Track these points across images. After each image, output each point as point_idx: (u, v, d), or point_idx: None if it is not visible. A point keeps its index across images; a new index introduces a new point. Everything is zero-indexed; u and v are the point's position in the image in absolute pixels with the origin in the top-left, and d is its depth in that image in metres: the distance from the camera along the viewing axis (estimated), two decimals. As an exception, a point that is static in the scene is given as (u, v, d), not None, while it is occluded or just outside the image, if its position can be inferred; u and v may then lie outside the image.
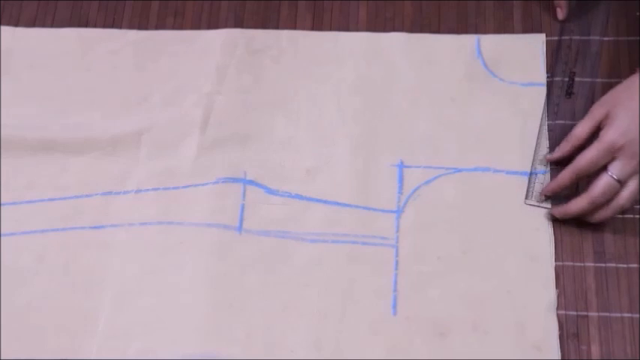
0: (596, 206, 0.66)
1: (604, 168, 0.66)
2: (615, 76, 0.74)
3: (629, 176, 0.65)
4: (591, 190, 0.66)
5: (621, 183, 0.65)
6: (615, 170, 0.65)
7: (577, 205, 0.67)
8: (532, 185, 0.70)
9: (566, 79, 0.74)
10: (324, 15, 0.80)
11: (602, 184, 0.66)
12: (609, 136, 0.65)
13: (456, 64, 0.76)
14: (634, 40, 0.76)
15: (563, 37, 0.76)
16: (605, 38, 0.76)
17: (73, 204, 0.73)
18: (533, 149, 0.72)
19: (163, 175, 0.74)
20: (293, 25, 0.80)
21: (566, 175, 0.68)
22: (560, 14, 0.77)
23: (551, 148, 0.72)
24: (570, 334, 0.65)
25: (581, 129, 0.68)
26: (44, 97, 0.78)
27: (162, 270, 0.70)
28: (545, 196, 0.69)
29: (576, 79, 0.74)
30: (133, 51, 0.80)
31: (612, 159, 0.66)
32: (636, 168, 0.65)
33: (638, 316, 0.65)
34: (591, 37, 0.76)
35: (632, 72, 0.73)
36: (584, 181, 0.67)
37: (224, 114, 0.76)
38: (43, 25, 0.82)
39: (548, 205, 0.69)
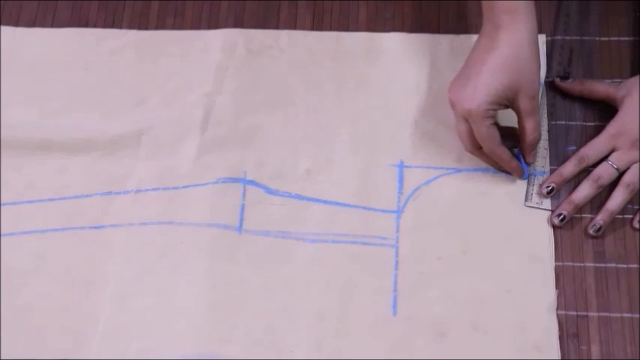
0: (599, 190, 0.68)
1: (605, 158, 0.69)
2: (616, 76, 0.74)
3: (627, 165, 0.68)
4: (592, 173, 0.69)
5: (619, 171, 0.68)
6: (614, 158, 0.68)
7: (581, 192, 0.68)
8: (531, 187, 0.70)
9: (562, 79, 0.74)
10: (324, 15, 0.80)
11: (601, 168, 0.68)
12: (612, 126, 0.69)
13: (456, 64, 0.76)
14: (634, 40, 0.76)
15: (556, 38, 0.76)
16: (603, 38, 0.76)
17: (73, 204, 0.73)
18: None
19: (163, 175, 0.74)
20: (293, 25, 0.80)
21: (570, 163, 0.69)
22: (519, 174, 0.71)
23: (551, 149, 0.72)
24: (570, 334, 0.65)
25: (600, 90, 0.72)
26: (44, 97, 0.78)
27: (162, 270, 0.70)
28: (547, 192, 0.69)
29: (572, 79, 0.74)
30: (133, 51, 0.80)
31: (614, 149, 0.68)
32: (634, 158, 0.68)
33: (638, 316, 0.65)
34: (585, 38, 0.76)
35: (632, 72, 0.73)
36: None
37: (224, 114, 0.76)
38: (43, 25, 0.82)
39: (548, 207, 0.69)
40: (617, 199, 0.68)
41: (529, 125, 0.68)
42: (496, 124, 0.67)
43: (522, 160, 0.70)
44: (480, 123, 0.66)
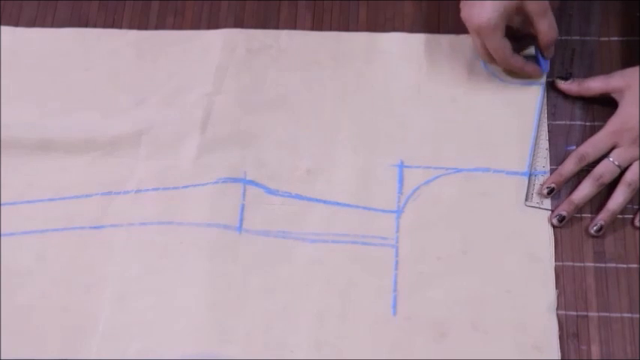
0: (600, 189, 0.68)
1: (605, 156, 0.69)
2: (615, 76, 0.74)
3: (629, 162, 0.68)
4: (593, 171, 0.68)
5: (621, 169, 0.68)
6: (615, 156, 0.68)
7: (581, 191, 0.68)
8: (532, 187, 0.70)
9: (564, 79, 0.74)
10: (324, 15, 0.80)
11: (602, 166, 0.68)
12: (612, 123, 0.69)
13: (456, 64, 0.76)
14: (634, 40, 0.76)
15: (562, 38, 0.76)
16: (603, 38, 0.76)
17: (73, 204, 0.73)
18: (533, 149, 0.72)
19: (163, 175, 0.74)
20: (293, 25, 0.80)
21: (570, 162, 0.69)
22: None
23: (551, 149, 0.72)
24: (570, 334, 0.65)
25: (595, 86, 0.72)
26: (44, 97, 0.78)
27: (162, 270, 0.70)
28: (547, 192, 0.69)
29: (576, 79, 0.74)
30: (133, 51, 0.80)
31: (614, 146, 0.68)
32: (635, 154, 0.67)
33: (638, 316, 0.65)
34: (586, 38, 0.76)
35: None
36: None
37: (224, 114, 0.76)
38: (43, 25, 0.82)
39: (549, 207, 0.69)
40: (619, 198, 0.67)
41: (543, 26, 0.69)
42: (512, 29, 0.70)
43: (541, 56, 0.72)
44: (491, 37, 0.68)
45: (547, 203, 0.70)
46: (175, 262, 0.70)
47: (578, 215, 0.69)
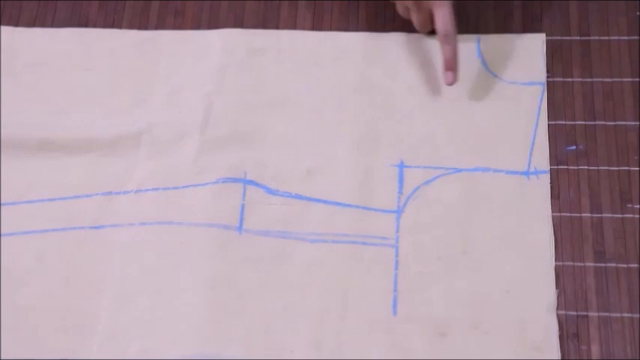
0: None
1: None
2: (616, 76, 0.74)
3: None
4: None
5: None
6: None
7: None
8: None
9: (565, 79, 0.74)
10: (324, 15, 0.80)
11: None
12: None
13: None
14: (634, 40, 0.76)
15: (556, 37, 0.76)
16: (603, 38, 0.76)
17: (73, 204, 0.73)
18: (533, 149, 0.72)
19: (163, 175, 0.74)
20: (293, 25, 0.80)
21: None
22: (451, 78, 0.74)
23: (551, 149, 0.72)
24: (570, 334, 0.65)
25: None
26: (44, 97, 0.78)
27: (162, 270, 0.70)
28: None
29: (576, 78, 0.74)
30: (133, 51, 0.80)
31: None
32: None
33: (638, 316, 0.65)
34: (588, 38, 0.76)
35: (633, 72, 0.73)
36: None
37: (224, 114, 0.76)
38: (43, 25, 0.82)
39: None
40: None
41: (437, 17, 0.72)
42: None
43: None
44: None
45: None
46: (175, 262, 0.70)
47: (578, 215, 0.69)
